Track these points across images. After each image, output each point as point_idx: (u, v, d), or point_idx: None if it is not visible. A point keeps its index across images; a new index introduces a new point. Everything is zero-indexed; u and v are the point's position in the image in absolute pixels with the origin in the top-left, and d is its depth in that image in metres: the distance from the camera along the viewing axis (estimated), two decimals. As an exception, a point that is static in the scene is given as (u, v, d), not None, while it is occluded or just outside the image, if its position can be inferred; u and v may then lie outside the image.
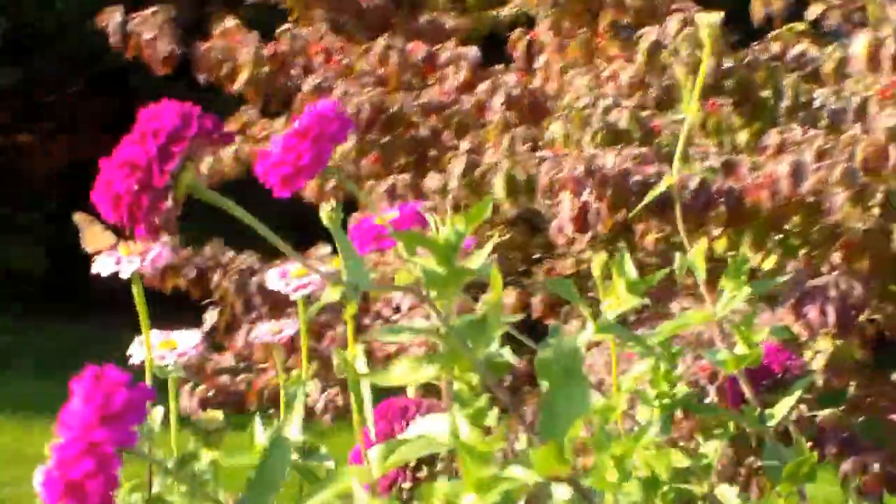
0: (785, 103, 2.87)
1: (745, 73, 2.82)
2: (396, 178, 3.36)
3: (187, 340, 1.48)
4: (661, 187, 1.30)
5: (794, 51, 3.10)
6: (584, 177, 2.51)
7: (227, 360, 3.85)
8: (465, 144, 3.65)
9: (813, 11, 3.15)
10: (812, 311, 2.50)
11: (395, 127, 3.45)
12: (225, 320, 3.82)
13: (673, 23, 2.84)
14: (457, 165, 3.13)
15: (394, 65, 3.56)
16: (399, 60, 3.55)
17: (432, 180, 3.28)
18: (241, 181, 3.94)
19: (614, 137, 2.86)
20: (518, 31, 3.68)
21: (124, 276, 1.33)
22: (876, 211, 2.47)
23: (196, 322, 3.87)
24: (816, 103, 2.81)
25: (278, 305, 3.79)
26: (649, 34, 2.90)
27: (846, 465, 2.64)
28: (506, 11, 4.37)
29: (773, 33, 3.22)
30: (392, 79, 3.59)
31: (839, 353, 2.68)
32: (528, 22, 4.13)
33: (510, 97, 3.34)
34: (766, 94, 2.88)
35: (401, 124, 3.45)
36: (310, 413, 3.76)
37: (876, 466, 2.60)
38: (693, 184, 2.51)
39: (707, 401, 2.55)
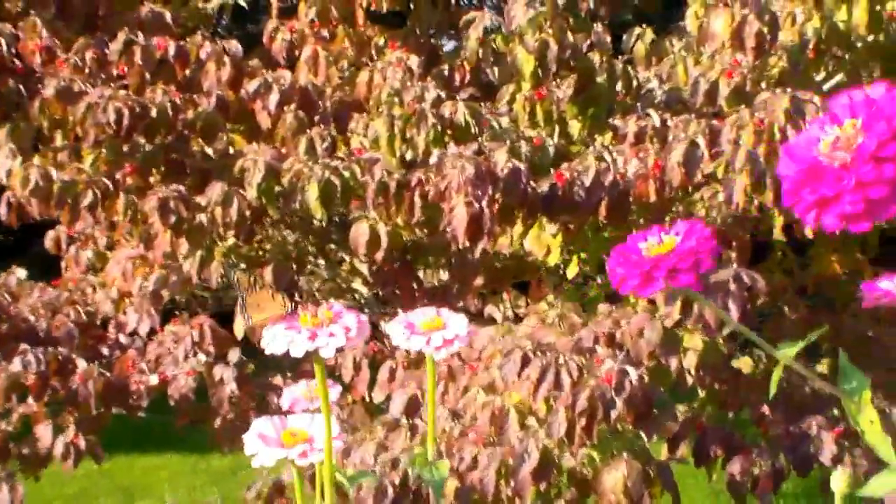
0: (618, 88, 2.71)
1: (586, 58, 2.63)
2: (167, 190, 2.94)
3: (316, 431, 1.12)
4: None
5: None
6: (475, 179, 2.24)
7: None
8: (209, 150, 3.30)
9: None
10: (707, 311, 2.35)
11: (156, 133, 3.02)
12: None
13: (518, 6, 2.61)
14: (256, 174, 2.76)
15: (138, 63, 3.12)
16: (144, 57, 3.11)
17: (213, 191, 2.89)
18: None
19: (445, 133, 2.60)
20: (272, 22, 3.32)
21: (327, 354, 0.97)
22: (770, 197, 2.35)
23: None
24: (654, 87, 2.67)
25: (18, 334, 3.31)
26: (480, 20, 2.65)
27: (733, 467, 2.52)
28: (212, 3, 3.99)
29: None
30: (135, 78, 3.14)
31: (708, 350, 2.56)
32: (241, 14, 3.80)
33: (284, 95, 3.00)
34: (600, 79, 2.70)
35: (163, 129, 3.03)
36: (45, 459, 3.29)
37: (763, 465, 2.49)
38: (587, 179, 2.29)
39: (614, 412, 2.36)
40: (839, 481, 0.91)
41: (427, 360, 1.21)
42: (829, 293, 3.08)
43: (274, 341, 0.97)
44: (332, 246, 3.27)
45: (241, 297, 1.02)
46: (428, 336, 1.16)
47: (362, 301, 3.72)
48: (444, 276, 3.35)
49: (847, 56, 2.80)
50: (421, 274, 3.43)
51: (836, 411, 2.70)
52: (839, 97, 0.71)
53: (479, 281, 3.08)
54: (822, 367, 2.81)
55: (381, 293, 3.51)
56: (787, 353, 0.99)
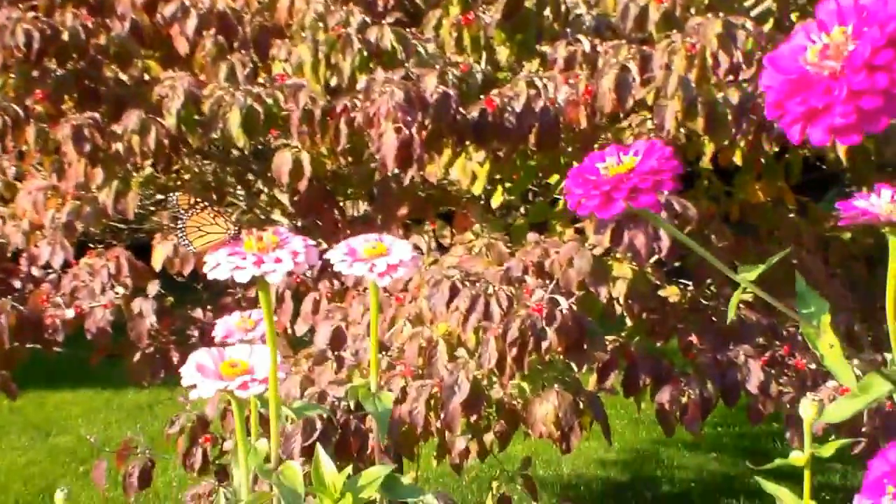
0: (546, 14, 2.66)
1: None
2: (81, 118, 2.84)
3: (256, 362, 1.07)
4: None
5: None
6: (405, 104, 2.18)
7: None
8: (124, 76, 3.20)
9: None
10: (639, 237, 2.33)
11: (68, 58, 2.92)
12: None
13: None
14: (175, 101, 2.68)
15: (48, -16, 3.01)
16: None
17: (129, 118, 2.80)
18: None
19: (371, 59, 2.54)
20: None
21: (275, 280, 0.92)
22: (701, 123, 2.32)
23: None
24: (583, 13, 2.62)
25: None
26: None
27: (662, 396, 2.51)
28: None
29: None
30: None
31: (637, 279, 2.54)
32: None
33: (202, 19, 2.91)
34: (528, 4, 2.65)
35: (75, 54, 2.93)
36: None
37: (691, 394, 2.49)
38: (518, 105, 2.24)
39: (545, 343, 2.33)
40: (809, 409, 0.89)
41: (370, 286, 1.16)
42: (753, 220, 3.07)
43: (223, 266, 0.92)
44: (252, 176, 3.20)
45: (181, 220, 0.96)
46: (371, 262, 1.10)
47: (282, 232, 3.65)
48: (365, 206, 3.29)
49: (776, -19, 2.78)
50: (342, 205, 3.37)
51: (761, 339, 2.70)
52: (824, 3, 0.67)
53: (402, 211, 3.03)
54: (749, 295, 2.80)
55: (301, 224, 3.45)
56: (748, 276, 0.96)
